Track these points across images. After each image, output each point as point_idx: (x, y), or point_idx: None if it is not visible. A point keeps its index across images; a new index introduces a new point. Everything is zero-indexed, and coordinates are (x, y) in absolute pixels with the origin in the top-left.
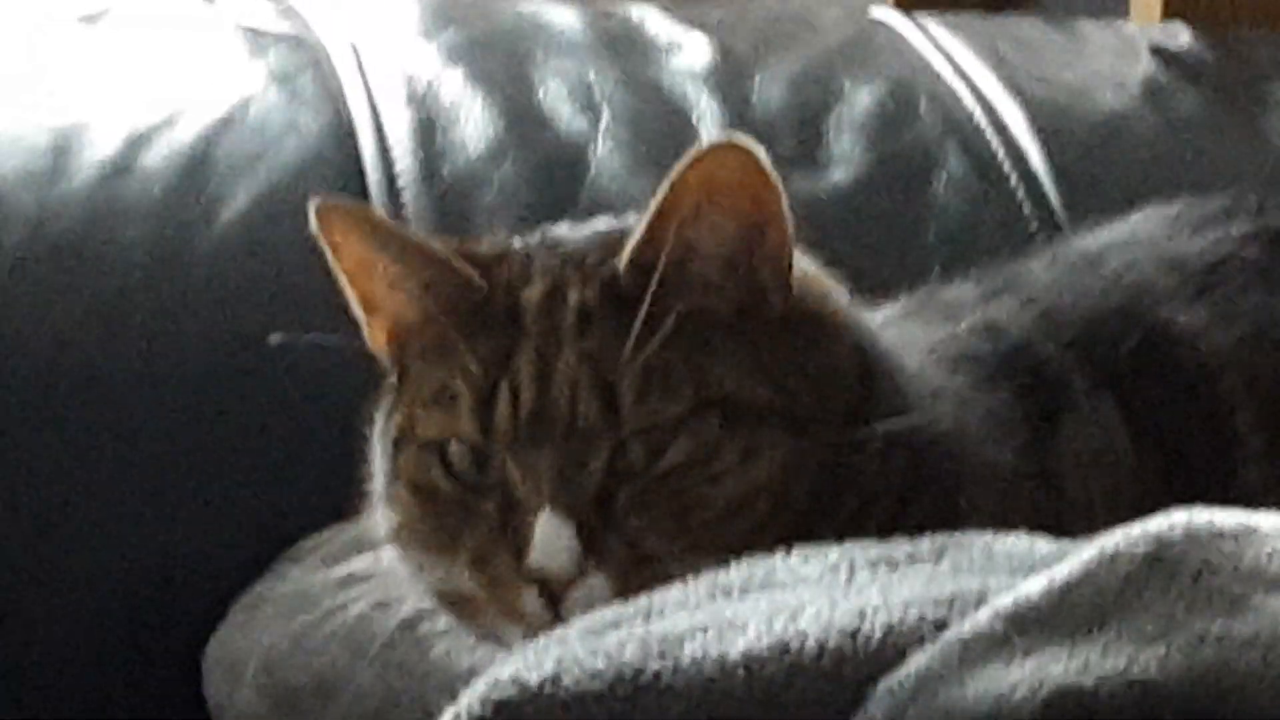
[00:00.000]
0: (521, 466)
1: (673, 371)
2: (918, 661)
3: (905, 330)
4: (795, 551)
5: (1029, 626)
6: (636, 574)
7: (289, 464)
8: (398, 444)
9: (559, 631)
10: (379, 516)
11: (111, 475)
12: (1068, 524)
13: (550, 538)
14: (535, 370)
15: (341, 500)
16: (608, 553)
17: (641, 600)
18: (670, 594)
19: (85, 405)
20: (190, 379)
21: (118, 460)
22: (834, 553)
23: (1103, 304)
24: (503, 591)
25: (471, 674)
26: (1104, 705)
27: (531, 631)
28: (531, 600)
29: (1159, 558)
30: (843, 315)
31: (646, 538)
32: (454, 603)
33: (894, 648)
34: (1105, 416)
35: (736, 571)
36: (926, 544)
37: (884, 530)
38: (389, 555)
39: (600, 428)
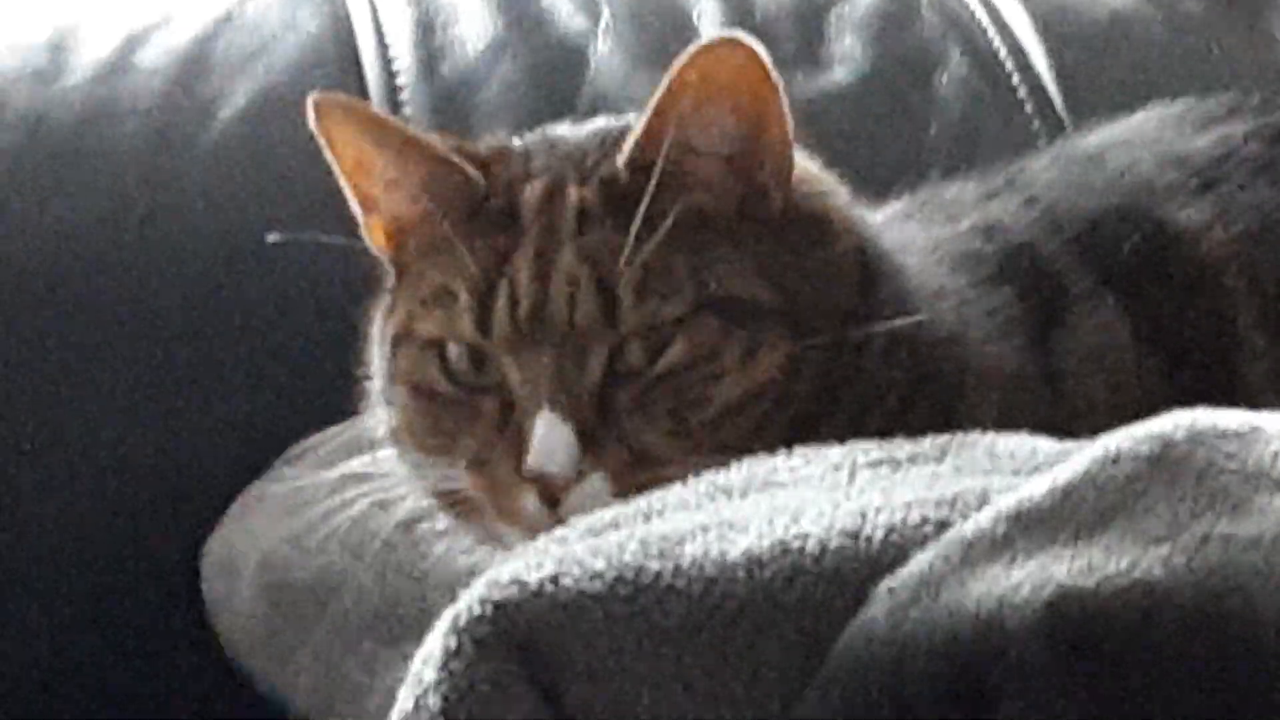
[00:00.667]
0: (520, 367)
1: (672, 271)
2: (919, 562)
3: (906, 230)
4: (796, 452)
5: (1031, 527)
6: (635, 475)
7: (287, 363)
8: (396, 344)
9: (558, 532)
10: (378, 416)
11: (108, 374)
12: (1070, 424)
13: (549, 439)
14: (534, 270)
15: (340, 400)
16: (606, 453)
17: (641, 501)
18: (670, 494)
19: (83, 303)
20: (188, 277)
21: (114, 359)
22: (835, 453)
23: (1104, 202)
24: (502, 493)
25: (471, 574)
26: (1107, 606)
27: (531, 533)
28: (530, 501)
29: (1163, 458)
30: (843, 215)
31: (645, 438)
32: (453, 503)
33: (896, 548)
34: (1107, 315)
35: (737, 472)
36: (929, 444)
37: (885, 431)
38: (387, 455)
39: (599, 328)
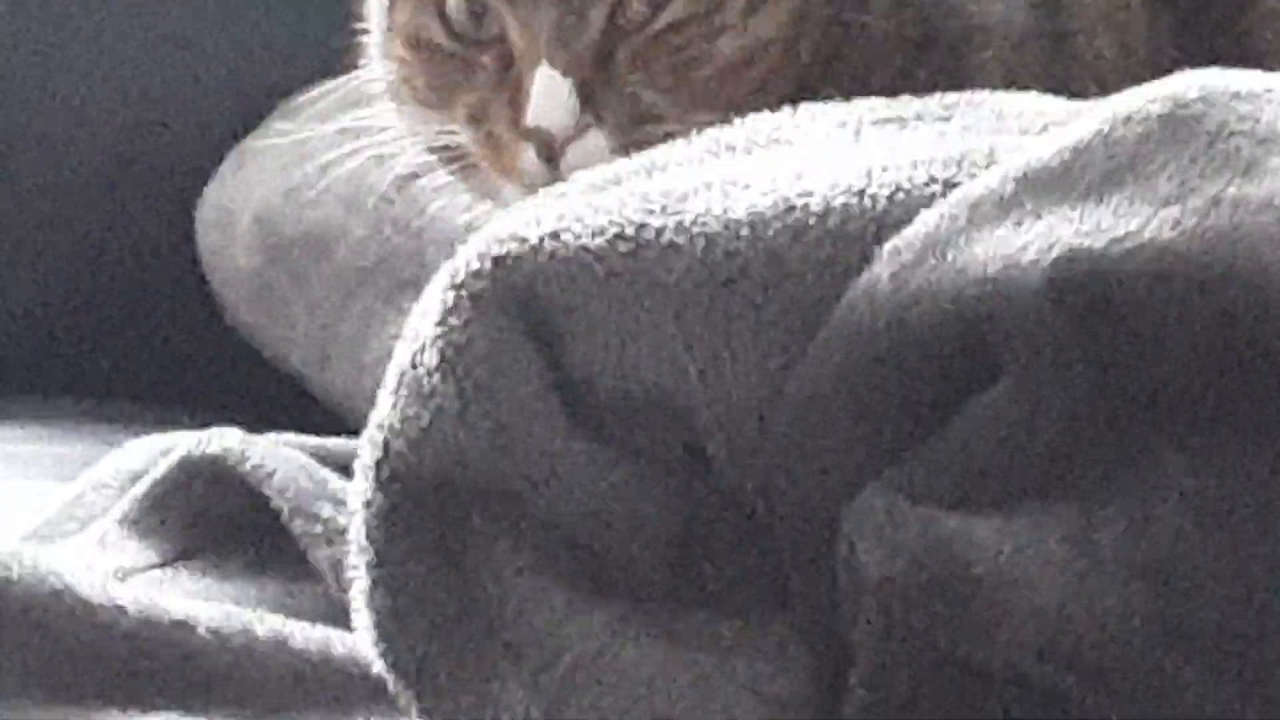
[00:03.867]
0: (519, 20)
1: None
2: (925, 222)
3: None
4: (801, 109)
5: (1039, 187)
6: (636, 131)
7: (283, 16)
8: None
9: (559, 187)
10: (374, 71)
11: (105, 28)
12: (1079, 84)
13: (548, 93)
14: None
15: (336, 54)
16: (607, 109)
17: (644, 156)
18: (673, 150)
19: None
20: None
21: (109, 7)
22: (841, 111)
23: None
24: (500, 148)
25: (469, 230)
26: (1115, 266)
27: (530, 189)
28: (529, 158)
29: (1174, 119)
30: None
31: (647, 94)
32: (451, 159)
33: (901, 207)
34: None
35: (741, 129)
36: (935, 103)
37: (891, 90)
38: (384, 110)
39: None
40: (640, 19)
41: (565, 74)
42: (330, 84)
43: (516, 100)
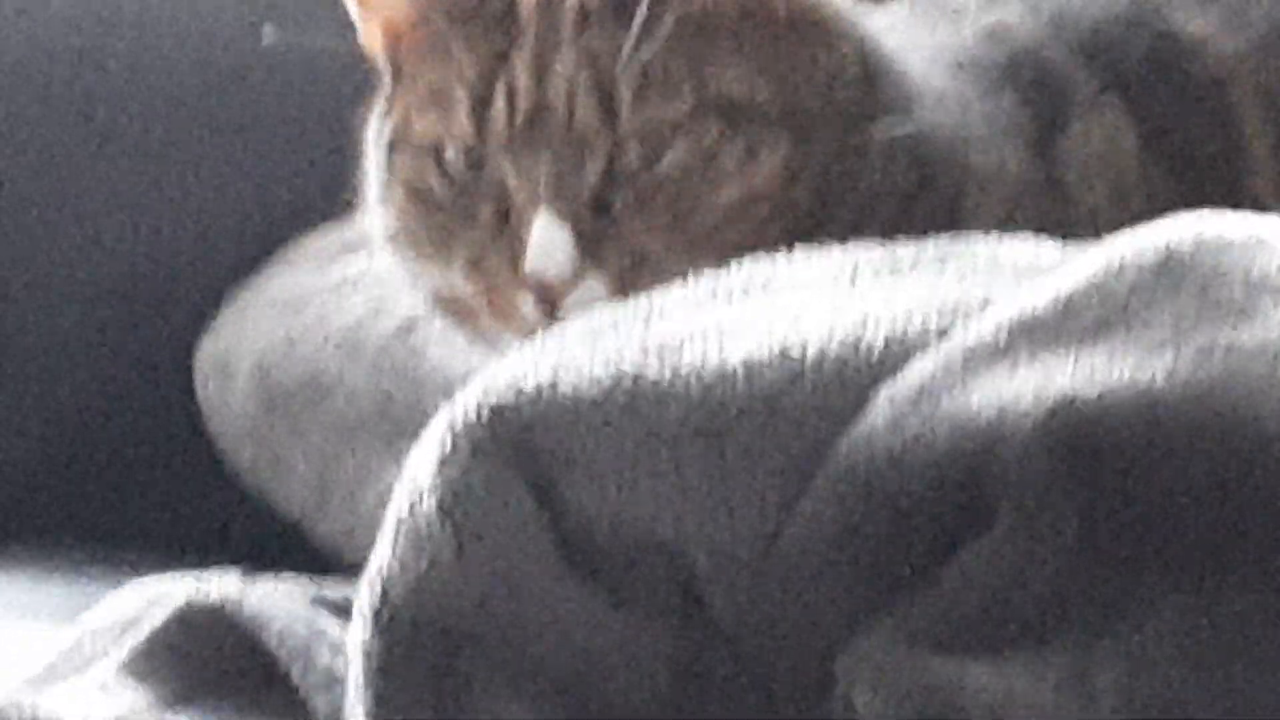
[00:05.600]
0: (517, 168)
1: (672, 73)
2: (920, 369)
3: (910, 33)
4: (797, 256)
5: (1034, 334)
6: (634, 278)
7: (282, 163)
8: (393, 146)
9: (556, 334)
10: (373, 219)
11: (105, 169)
12: (1073, 229)
13: (546, 240)
14: (533, 70)
15: (335, 201)
16: (605, 256)
17: (640, 302)
18: (670, 296)
19: (79, 98)
20: (184, 75)
21: (111, 158)
22: (837, 257)
23: (1111, 8)
24: (499, 296)
25: (467, 378)
26: (1109, 414)
27: (528, 337)
28: (528, 305)
29: (1167, 265)
30: (846, 17)
31: (644, 242)
32: (449, 307)
33: (897, 354)
34: (1112, 121)
35: (737, 274)
36: (930, 249)
37: (887, 235)
38: (382, 259)
39: (598, 128)
40: (638, 167)
41: (563, 222)
42: (328, 231)
43: (514, 249)
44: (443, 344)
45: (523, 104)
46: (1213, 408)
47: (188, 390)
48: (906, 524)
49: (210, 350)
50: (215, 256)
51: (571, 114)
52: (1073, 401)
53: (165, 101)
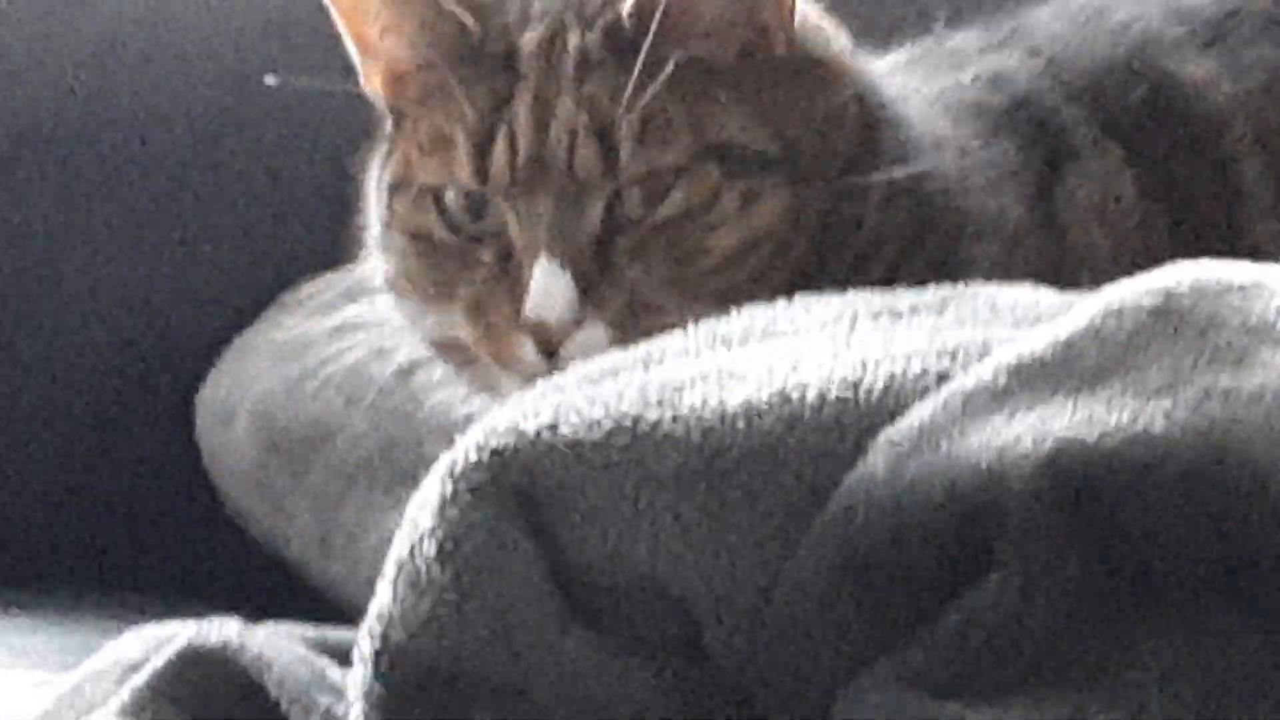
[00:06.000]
0: (518, 213)
1: (672, 119)
2: (920, 413)
3: (908, 79)
4: (797, 301)
5: (1032, 379)
6: (634, 323)
7: (283, 209)
8: (394, 190)
9: (556, 379)
10: (374, 264)
11: (104, 219)
12: (1072, 275)
13: (547, 285)
14: (533, 116)
15: (335, 247)
16: (605, 301)
17: (640, 348)
18: (669, 342)
19: (78, 146)
20: (183, 121)
21: (110, 204)
22: (836, 303)
23: (1110, 54)
24: (499, 341)
25: (468, 422)
26: (1107, 459)
27: (528, 382)
28: (528, 350)
29: (1165, 311)
30: (844, 62)
31: (645, 287)
32: (450, 352)
33: (896, 399)
34: (1111, 167)
35: (736, 320)
36: (929, 295)
37: (886, 281)
38: (383, 303)
39: (598, 174)
40: (638, 213)
41: (565, 267)
42: (330, 277)
43: (515, 292)
44: (443, 388)
45: (523, 149)
46: (1211, 452)
47: (189, 435)
48: (906, 567)
49: (211, 395)
50: (216, 302)
51: (572, 159)
52: (1072, 445)
53: (166, 147)
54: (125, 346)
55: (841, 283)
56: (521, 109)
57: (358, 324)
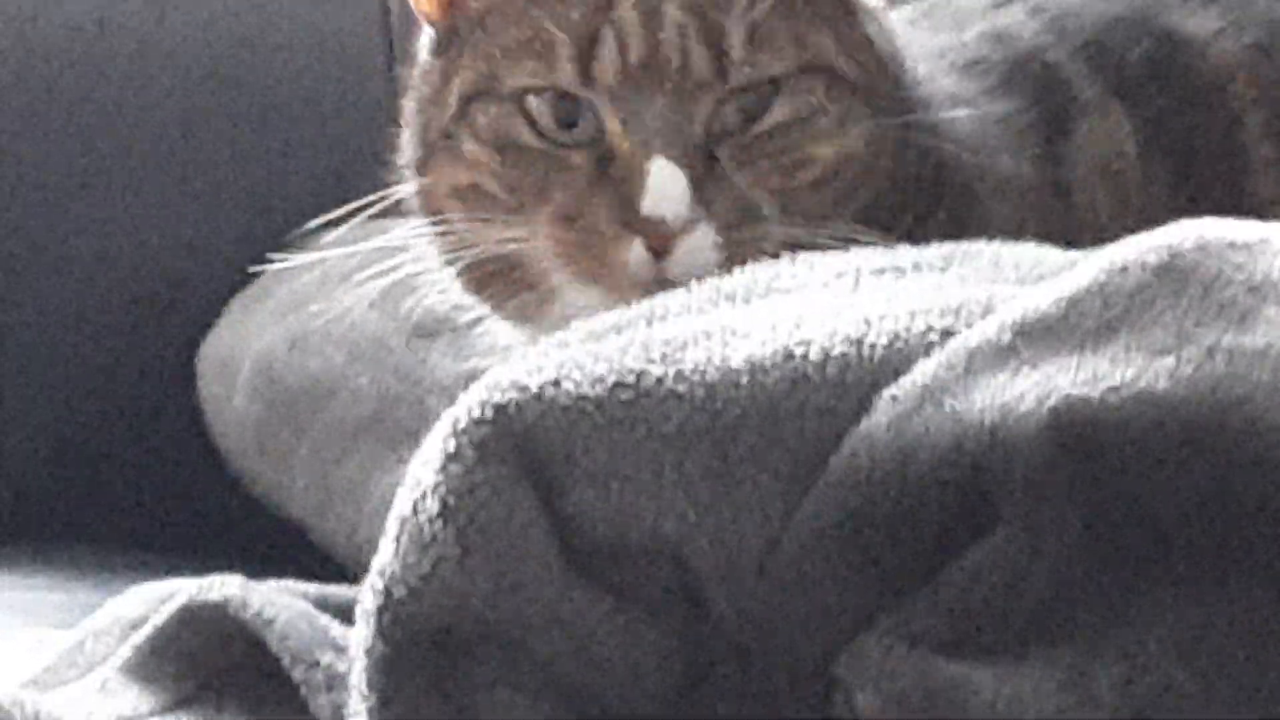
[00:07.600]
0: (626, 115)
1: (779, 32)
2: (923, 370)
3: (913, 36)
4: (800, 259)
5: (1036, 336)
6: (741, 229)
7: (285, 166)
8: (469, 101)
9: (559, 336)
10: (409, 188)
11: (109, 173)
12: (1077, 233)
13: (665, 183)
14: (642, 17)
15: (338, 204)
16: (715, 204)
17: (643, 304)
18: (672, 299)
19: (82, 100)
20: (189, 73)
21: (115, 158)
22: (839, 260)
23: (1112, 11)
24: (598, 246)
25: (470, 378)
26: (1111, 416)
27: (628, 290)
28: (635, 252)
29: (1170, 269)
30: (884, 12)
31: (751, 192)
32: (493, 280)
33: (900, 356)
34: (1114, 125)
35: (740, 277)
36: (933, 252)
37: (908, 236)
38: (416, 229)
39: (709, 78)
40: (742, 120)
41: (680, 166)
42: (329, 230)
43: (623, 194)
44: (446, 347)
45: (634, 50)
46: (1214, 410)
47: (190, 392)
48: (909, 525)
49: (212, 352)
50: (217, 259)
51: (685, 62)
52: (1076, 403)
53: (168, 105)
54: (126, 304)
55: (885, 225)
56: (628, 10)
57: (391, 249)
